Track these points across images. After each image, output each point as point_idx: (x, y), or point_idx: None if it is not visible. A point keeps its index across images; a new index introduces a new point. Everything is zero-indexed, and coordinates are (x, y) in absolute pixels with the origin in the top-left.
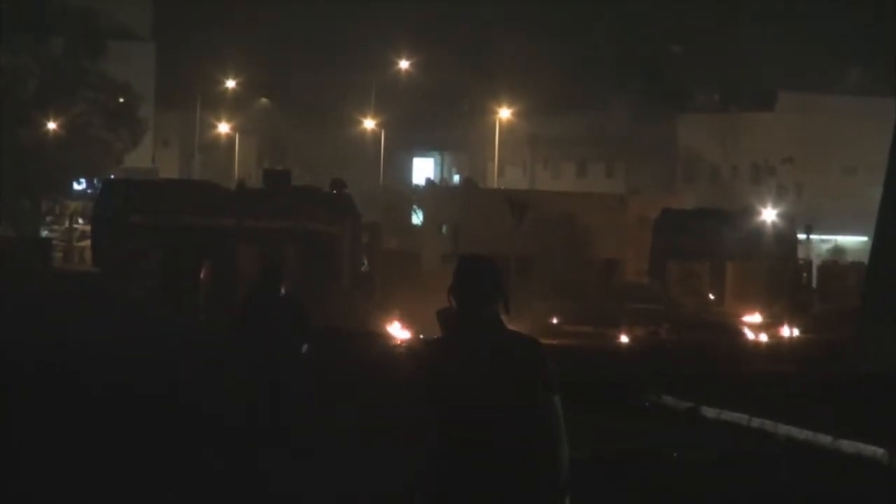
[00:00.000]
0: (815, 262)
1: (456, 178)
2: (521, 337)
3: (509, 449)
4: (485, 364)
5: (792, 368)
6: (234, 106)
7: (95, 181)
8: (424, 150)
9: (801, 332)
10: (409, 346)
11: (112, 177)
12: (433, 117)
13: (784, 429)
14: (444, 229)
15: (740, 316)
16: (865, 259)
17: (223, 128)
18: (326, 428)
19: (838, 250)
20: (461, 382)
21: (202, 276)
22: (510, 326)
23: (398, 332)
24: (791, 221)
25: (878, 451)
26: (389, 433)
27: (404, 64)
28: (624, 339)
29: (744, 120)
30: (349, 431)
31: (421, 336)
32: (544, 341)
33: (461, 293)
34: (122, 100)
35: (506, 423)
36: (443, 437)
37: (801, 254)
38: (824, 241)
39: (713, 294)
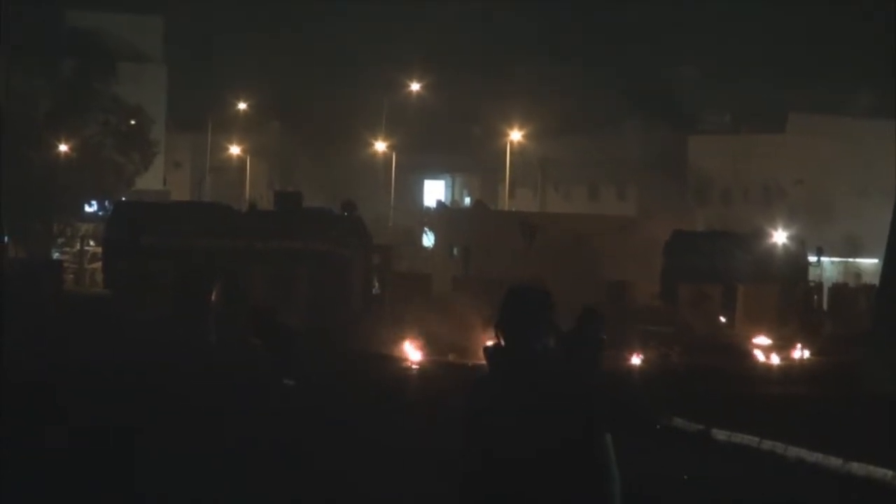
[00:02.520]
0: (826, 285)
1: (467, 200)
2: (572, 374)
3: (556, 490)
4: (532, 404)
5: (803, 390)
6: (245, 128)
7: (107, 203)
8: (435, 173)
9: (813, 354)
10: (421, 368)
11: (123, 199)
12: (444, 139)
13: (795, 451)
14: (455, 251)
15: (751, 338)
16: (876, 281)
17: (234, 150)
18: (337, 446)
19: (848, 271)
20: (505, 424)
21: (213, 297)
22: None
23: (409, 353)
24: (802, 244)
25: (889, 474)
26: (400, 455)
27: (415, 86)
28: (635, 361)
29: (754, 142)
30: (361, 450)
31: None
32: None
33: (509, 327)
34: (133, 122)
35: (552, 463)
36: (486, 479)
37: (812, 276)
38: (834, 263)
39: (724, 316)
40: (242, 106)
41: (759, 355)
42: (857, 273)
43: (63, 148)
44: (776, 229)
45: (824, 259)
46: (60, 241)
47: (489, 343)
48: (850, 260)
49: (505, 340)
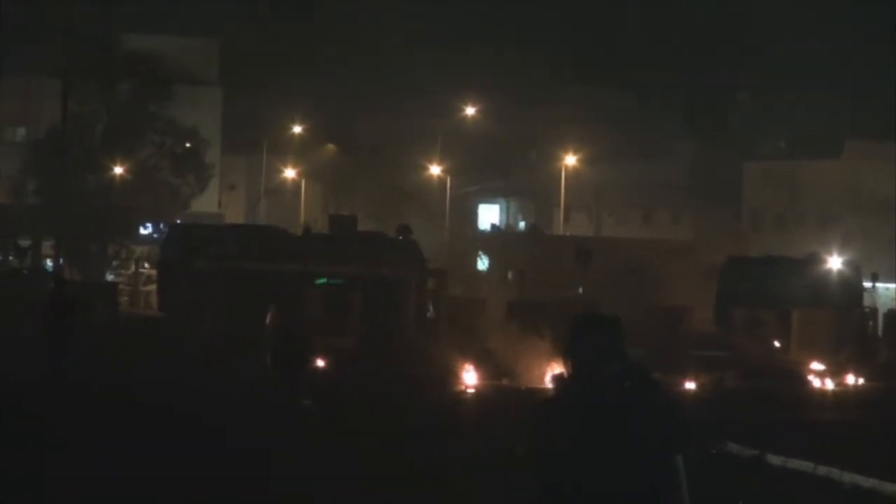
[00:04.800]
0: (881, 311)
1: (521, 224)
2: (642, 396)
3: None
4: (608, 428)
5: (858, 416)
6: (300, 151)
7: (162, 225)
8: (490, 197)
9: (867, 380)
10: (477, 392)
11: (178, 221)
12: (499, 164)
13: (850, 477)
14: (509, 275)
15: (806, 364)
16: None
17: (289, 173)
18: (393, 469)
19: None
20: (581, 449)
21: (267, 321)
22: None
23: (465, 377)
24: (857, 269)
25: None
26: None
27: (470, 110)
28: (690, 386)
29: (810, 167)
30: (417, 472)
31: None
32: None
33: (582, 353)
34: (188, 144)
35: (629, 486)
36: (553, 498)
37: (866, 302)
38: (890, 289)
39: (779, 341)
40: (297, 129)
41: (814, 381)
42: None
43: (118, 170)
44: (831, 255)
45: (879, 285)
46: (115, 263)
47: (557, 370)
48: None
49: (577, 367)
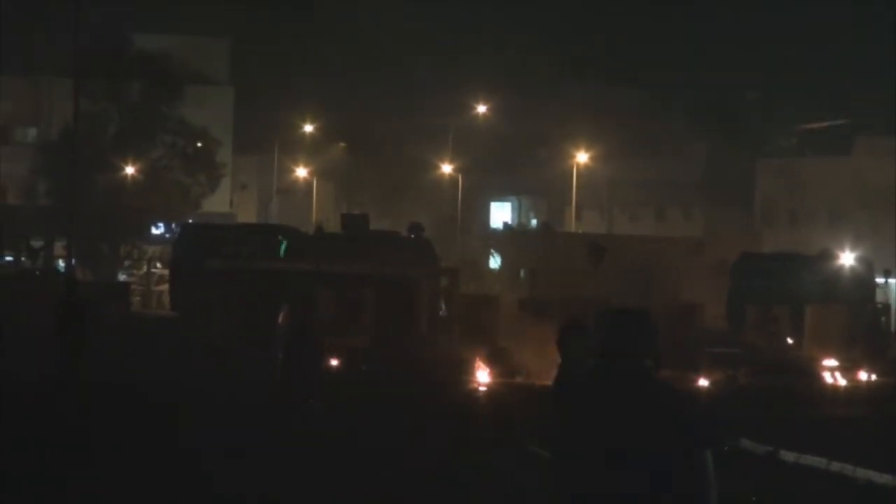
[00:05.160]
0: (894, 306)
1: (533, 222)
2: (667, 389)
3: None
4: (638, 422)
5: (870, 412)
6: (312, 150)
7: (173, 225)
8: (502, 195)
9: (880, 375)
10: (489, 390)
11: (190, 221)
12: (510, 162)
13: (863, 473)
14: (521, 274)
15: (819, 360)
16: None
17: (301, 172)
18: (404, 468)
19: None
20: (611, 443)
21: (279, 320)
22: None
23: (478, 376)
24: (869, 265)
25: None
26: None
27: (482, 108)
28: (703, 382)
29: (820, 164)
30: (433, 470)
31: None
32: None
33: (603, 348)
34: (200, 144)
35: (647, 480)
36: (576, 496)
37: (879, 297)
38: None
39: (792, 338)
40: (309, 128)
41: (827, 377)
42: None
43: (130, 170)
44: (843, 251)
45: (892, 281)
46: (127, 263)
47: (589, 363)
48: None
49: (606, 361)
